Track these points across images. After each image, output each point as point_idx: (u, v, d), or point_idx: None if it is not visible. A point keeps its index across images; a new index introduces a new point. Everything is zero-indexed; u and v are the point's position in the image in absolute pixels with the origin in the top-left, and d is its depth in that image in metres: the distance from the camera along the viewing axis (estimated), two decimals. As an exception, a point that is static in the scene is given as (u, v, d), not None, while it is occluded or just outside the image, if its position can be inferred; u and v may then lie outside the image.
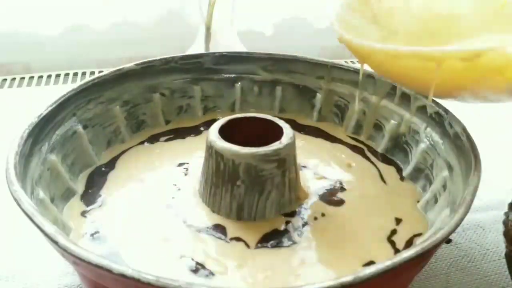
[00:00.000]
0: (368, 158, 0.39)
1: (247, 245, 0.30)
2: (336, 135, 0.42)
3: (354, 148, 0.40)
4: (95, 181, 0.35)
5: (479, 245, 0.36)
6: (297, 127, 0.42)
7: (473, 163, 0.29)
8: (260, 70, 0.44)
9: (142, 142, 0.40)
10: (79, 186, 0.35)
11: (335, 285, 0.21)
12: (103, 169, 0.37)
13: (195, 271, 0.28)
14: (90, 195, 0.34)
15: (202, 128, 0.42)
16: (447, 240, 0.27)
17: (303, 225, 0.31)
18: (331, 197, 0.34)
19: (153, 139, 0.41)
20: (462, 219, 0.25)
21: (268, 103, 0.44)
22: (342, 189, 0.35)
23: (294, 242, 0.30)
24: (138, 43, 0.68)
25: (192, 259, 0.28)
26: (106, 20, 0.67)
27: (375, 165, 0.38)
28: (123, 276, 0.21)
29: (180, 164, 0.37)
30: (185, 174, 0.36)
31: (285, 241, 0.30)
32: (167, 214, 0.32)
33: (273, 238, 0.30)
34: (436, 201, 0.32)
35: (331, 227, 0.32)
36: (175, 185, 0.35)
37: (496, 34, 0.32)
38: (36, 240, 0.27)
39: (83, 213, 0.32)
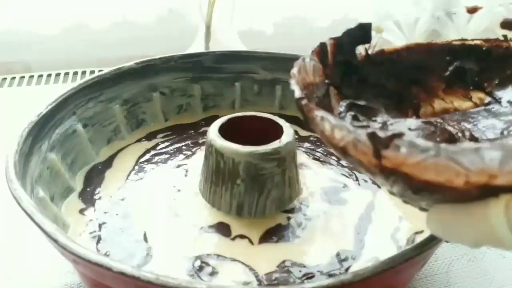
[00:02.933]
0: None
1: (251, 242, 0.30)
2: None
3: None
4: (93, 179, 0.35)
5: (479, 244, 0.35)
6: (301, 123, 0.42)
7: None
8: (260, 69, 0.44)
9: (139, 140, 0.40)
10: (77, 183, 0.35)
11: (335, 283, 0.21)
12: (100, 167, 0.36)
13: (199, 269, 0.28)
14: (88, 193, 0.34)
15: (201, 125, 0.42)
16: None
17: (306, 221, 0.31)
18: (334, 195, 0.34)
19: (151, 136, 0.41)
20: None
21: (268, 102, 0.44)
22: (345, 187, 0.35)
23: (298, 237, 0.30)
24: (138, 42, 0.68)
25: (196, 257, 0.28)
26: (106, 19, 0.67)
27: None
28: (123, 274, 0.21)
29: (180, 165, 0.37)
30: (185, 175, 0.36)
31: (289, 236, 0.30)
32: (169, 213, 0.32)
33: (276, 234, 0.30)
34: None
35: (335, 224, 0.32)
36: (176, 183, 0.35)
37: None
38: (36, 239, 0.27)
39: (81, 211, 0.32)
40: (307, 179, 0.35)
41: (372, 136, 0.17)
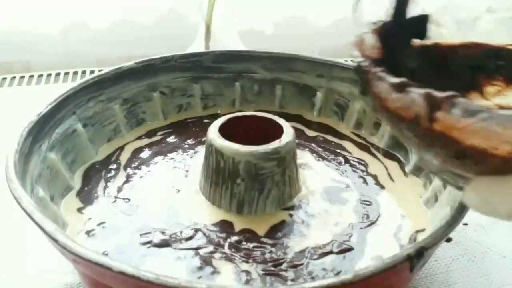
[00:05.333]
0: (375, 156, 0.39)
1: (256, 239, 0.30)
2: (343, 132, 0.42)
3: (360, 145, 0.40)
4: (91, 178, 0.35)
5: (479, 244, 0.35)
6: (304, 122, 0.42)
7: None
8: (260, 69, 0.44)
9: (139, 137, 0.40)
10: (76, 182, 0.35)
11: (336, 282, 0.21)
12: (98, 166, 0.36)
13: (200, 268, 0.28)
14: (86, 192, 0.34)
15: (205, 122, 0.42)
16: (447, 238, 0.27)
17: (308, 218, 0.31)
18: (335, 195, 0.34)
19: (151, 134, 0.41)
20: (462, 218, 0.25)
21: (268, 102, 0.44)
22: (347, 187, 0.35)
23: (302, 233, 0.30)
24: (138, 42, 0.68)
25: (197, 256, 0.28)
26: (106, 19, 0.67)
27: (382, 163, 0.38)
28: (123, 274, 0.21)
29: (179, 161, 0.37)
30: (185, 175, 0.36)
31: (294, 233, 0.30)
32: (169, 211, 0.32)
33: (281, 230, 0.31)
34: (436, 199, 0.32)
35: (337, 222, 0.32)
36: (176, 183, 0.35)
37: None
38: (36, 239, 0.27)
39: (79, 210, 0.32)
40: (309, 178, 0.35)
41: (428, 96, 0.18)
